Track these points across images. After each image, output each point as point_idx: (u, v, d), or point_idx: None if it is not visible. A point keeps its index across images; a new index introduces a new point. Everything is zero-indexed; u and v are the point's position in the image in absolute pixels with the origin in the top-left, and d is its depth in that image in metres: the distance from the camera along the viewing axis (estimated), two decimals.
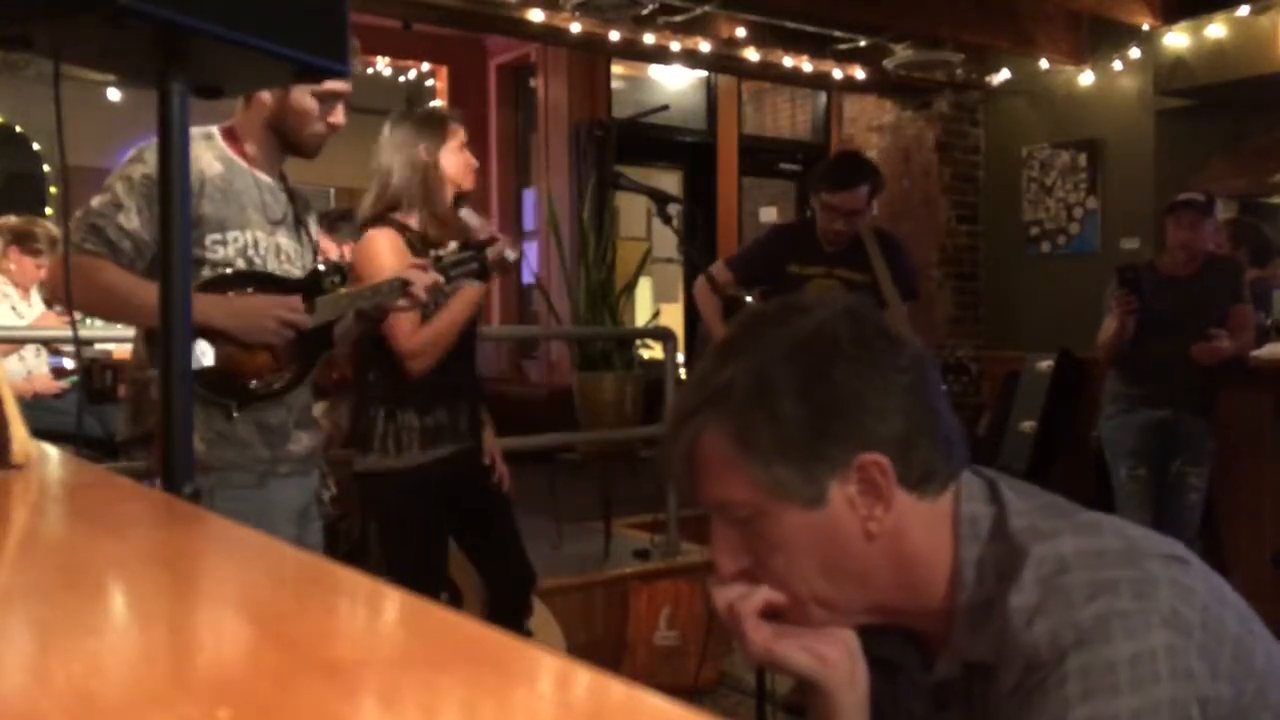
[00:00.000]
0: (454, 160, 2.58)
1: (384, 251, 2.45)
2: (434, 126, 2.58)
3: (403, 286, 2.12)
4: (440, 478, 2.57)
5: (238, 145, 2.04)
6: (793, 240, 3.47)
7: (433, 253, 2.29)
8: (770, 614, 0.97)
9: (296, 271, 2.08)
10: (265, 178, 2.06)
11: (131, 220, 1.87)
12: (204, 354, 1.91)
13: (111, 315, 2.02)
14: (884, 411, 0.90)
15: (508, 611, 2.72)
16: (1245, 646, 0.87)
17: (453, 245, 2.34)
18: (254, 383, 1.98)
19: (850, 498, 0.91)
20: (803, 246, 3.39)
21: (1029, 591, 0.87)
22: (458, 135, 2.60)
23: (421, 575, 2.59)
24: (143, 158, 1.90)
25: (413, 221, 2.54)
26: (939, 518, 0.94)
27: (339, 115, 2.06)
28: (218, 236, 1.95)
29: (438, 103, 7.72)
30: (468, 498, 2.67)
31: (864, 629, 1.00)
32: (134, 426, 2.00)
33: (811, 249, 3.37)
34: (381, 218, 2.54)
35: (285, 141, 2.06)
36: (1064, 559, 0.88)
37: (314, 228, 2.22)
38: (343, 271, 2.14)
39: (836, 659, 0.96)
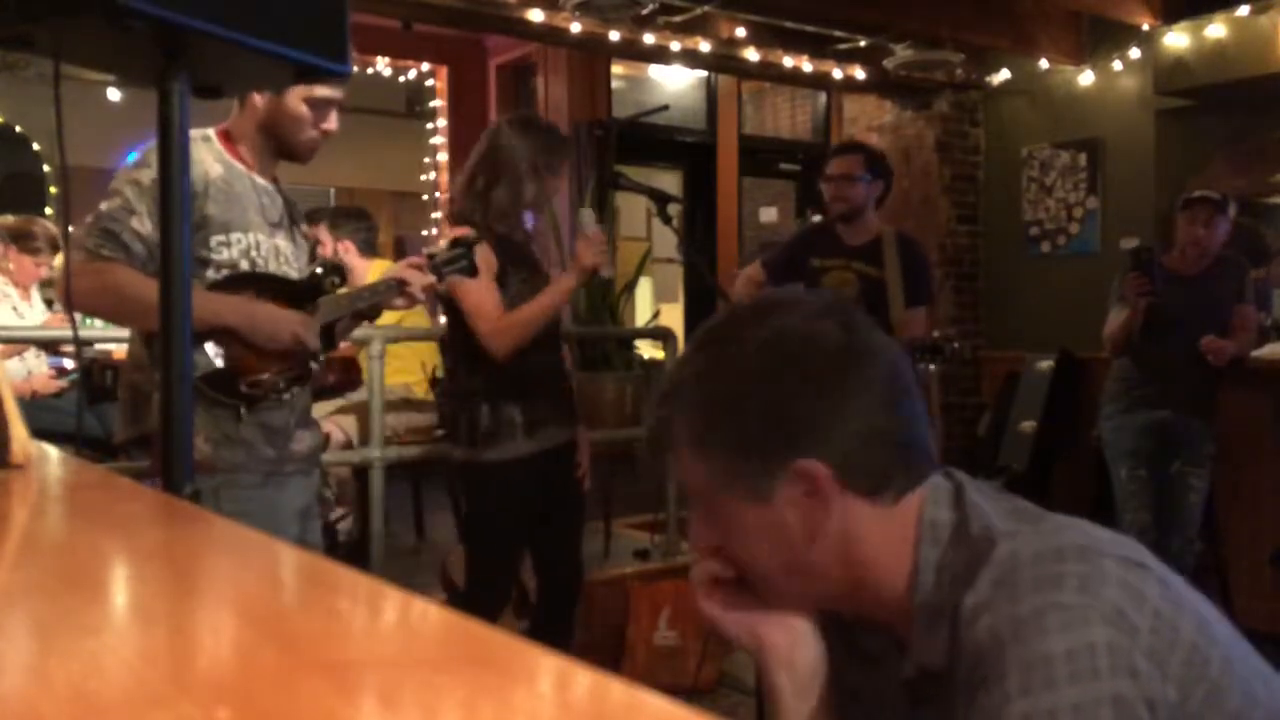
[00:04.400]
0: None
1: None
2: (556, 149, 2.71)
3: (400, 286, 2.15)
4: (541, 469, 2.63)
5: (234, 148, 2.05)
6: (814, 237, 3.66)
7: (425, 250, 2.33)
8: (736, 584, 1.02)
9: (294, 273, 2.10)
10: (262, 180, 2.07)
11: (145, 225, 1.87)
12: (216, 356, 1.92)
13: (129, 320, 2.03)
14: (834, 422, 0.94)
15: (554, 616, 2.77)
16: (1200, 653, 0.86)
17: (443, 243, 2.38)
18: (260, 380, 1.98)
19: (793, 499, 0.94)
20: (823, 242, 3.55)
21: (982, 591, 0.88)
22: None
23: (501, 566, 2.68)
24: (150, 161, 1.90)
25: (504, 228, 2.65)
26: (900, 522, 0.96)
27: (332, 121, 2.06)
28: (222, 238, 1.96)
29: (437, 102, 7.71)
30: (556, 490, 2.72)
31: (848, 620, 1.03)
32: (131, 428, 2.01)
33: (832, 244, 3.52)
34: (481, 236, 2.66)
35: (278, 145, 2.07)
36: (1018, 558, 0.89)
37: (305, 229, 2.24)
38: (341, 272, 2.16)
39: (774, 642, 1.00)
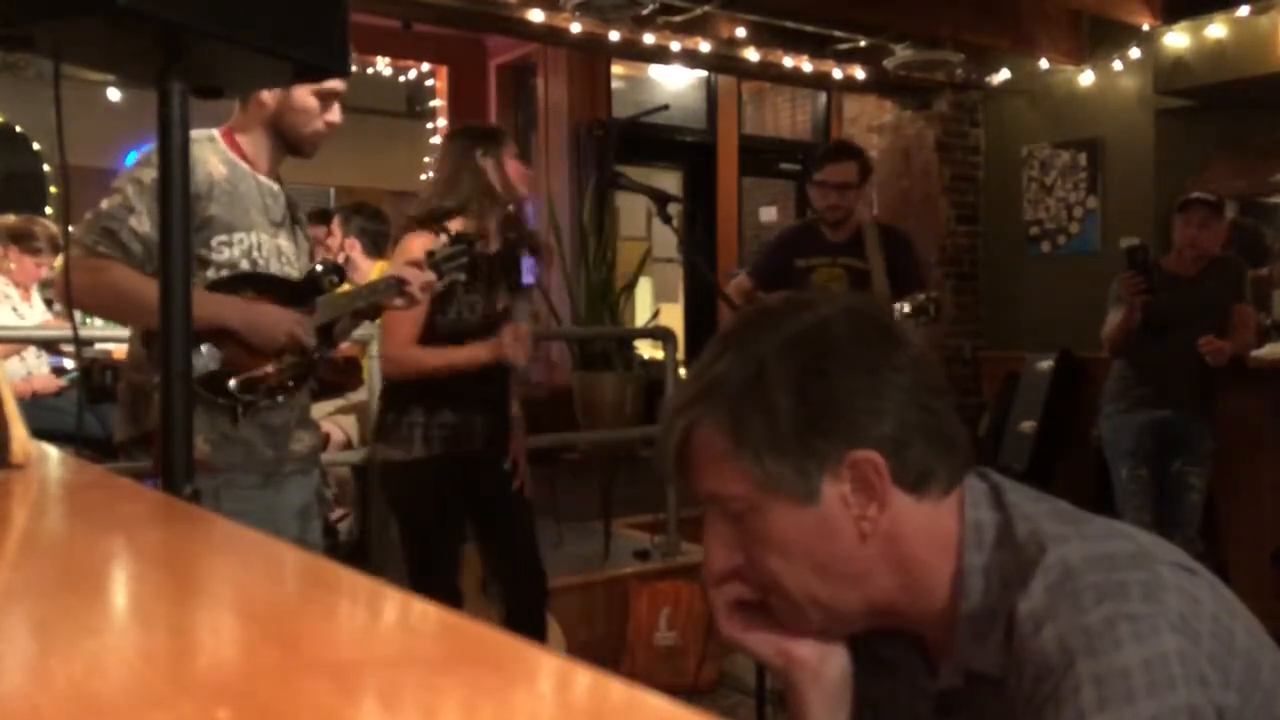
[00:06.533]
0: (513, 168, 2.66)
1: (418, 254, 2.46)
2: (493, 137, 2.67)
3: (399, 286, 2.15)
4: (445, 475, 2.60)
5: (238, 147, 2.05)
6: (798, 238, 3.69)
7: (425, 249, 2.32)
8: (758, 605, 0.97)
9: (294, 273, 2.10)
10: (266, 180, 2.08)
11: (143, 224, 1.87)
12: (211, 359, 1.92)
13: (125, 317, 2.03)
14: (878, 409, 0.89)
15: (523, 619, 2.74)
16: (1254, 659, 0.86)
17: (443, 239, 2.37)
18: (256, 382, 1.98)
19: (844, 495, 0.90)
20: (808, 241, 3.59)
21: (1037, 598, 0.86)
22: (512, 146, 2.69)
23: (423, 567, 2.64)
24: (152, 161, 1.90)
25: (456, 225, 2.57)
26: (943, 522, 0.93)
27: (336, 114, 2.07)
28: (224, 238, 1.96)
29: (437, 102, 7.71)
30: (482, 500, 2.68)
31: (868, 629, 0.99)
32: (131, 427, 2.00)
33: (816, 242, 3.55)
34: (422, 221, 2.60)
35: (285, 141, 2.07)
36: (1072, 564, 0.86)
37: (306, 228, 2.24)
38: (341, 272, 2.16)
39: (803, 658, 0.97)
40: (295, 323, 1.99)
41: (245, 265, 1.99)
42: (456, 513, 2.66)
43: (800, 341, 0.91)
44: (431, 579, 2.62)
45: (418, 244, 2.49)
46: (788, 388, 0.89)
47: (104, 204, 1.91)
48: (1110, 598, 0.83)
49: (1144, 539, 0.91)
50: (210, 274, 1.94)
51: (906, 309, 3.11)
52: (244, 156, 2.05)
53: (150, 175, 1.89)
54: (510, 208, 2.69)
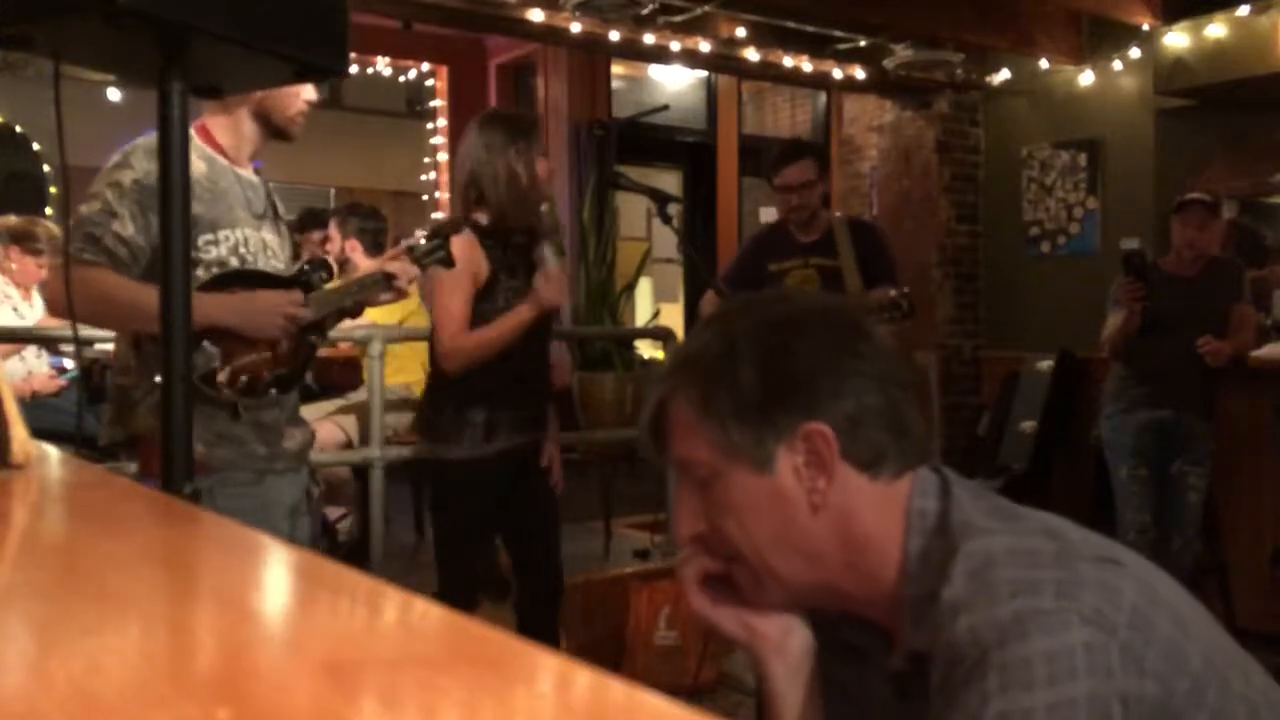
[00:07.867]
0: (541, 165, 2.64)
1: (467, 254, 2.49)
2: (527, 134, 2.63)
3: (386, 280, 2.16)
4: (498, 472, 2.61)
5: (214, 141, 2.04)
6: (767, 242, 3.61)
7: (404, 243, 2.33)
8: (725, 581, 1.03)
9: (280, 265, 2.10)
10: (244, 173, 2.07)
11: (126, 228, 1.86)
12: (214, 357, 1.92)
13: (114, 323, 2.01)
14: (838, 390, 0.96)
15: (537, 615, 2.75)
16: (1178, 646, 0.87)
17: (419, 233, 2.38)
18: (258, 378, 1.98)
19: (796, 466, 0.96)
20: (777, 245, 3.51)
21: (957, 585, 0.90)
22: (541, 141, 2.69)
23: (462, 566, 2.66)
24: (129, 162, 1.90)
25: (481, 217, 2.58)
26: (892, 506, 0.98)
27: (312, 90, 2.07)
28: (210, 236, 1.95)
29: (437, 102, 7.71)
30: (520, 493, 2.69)
31: (833, 616, 1.03)
32: (116, 430, 2.00)
33: (786, 245, 3.47)
34: (459, 224, 2.59)
35: (269, 125, 2.06)
36: (993, 555, 0.90)
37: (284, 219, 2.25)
38: (329, 268, 2.17)
39: (765, 631, 1.02)
40: (288, 302, 1.98)
41: (234, 262, 1.98)
42: (502, 510, 2.67)
43: (772, 324, 0.99)
44: (467, 577, 2.64)
45: (459, 245, 2.48)
46: (755, 363, 0.97)
47: (83, 209, 1.88)
48: (1024, 593, 0.87)
49: (1072, 535, 0.95)
50: (200, 273, 1.93)
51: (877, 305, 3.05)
52: (220, 150, 2.03)
53: (129, 177, 1.88)
54: (544, 207, 2.69)
